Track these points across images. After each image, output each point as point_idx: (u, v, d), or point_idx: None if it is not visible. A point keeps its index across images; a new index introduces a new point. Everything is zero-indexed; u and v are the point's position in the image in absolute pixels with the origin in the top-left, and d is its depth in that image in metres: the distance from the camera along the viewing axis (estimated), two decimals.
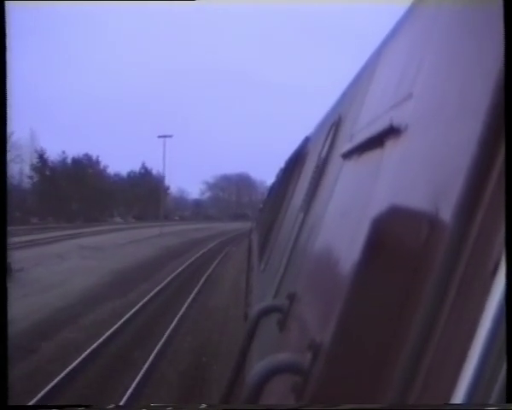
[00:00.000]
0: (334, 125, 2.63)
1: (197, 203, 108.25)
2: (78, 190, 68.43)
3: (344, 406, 0.91)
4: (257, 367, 1.27)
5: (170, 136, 48.27)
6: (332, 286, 1.39)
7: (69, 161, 73.31)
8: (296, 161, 5.60)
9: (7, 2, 1.22)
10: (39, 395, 8.53)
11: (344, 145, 1.95)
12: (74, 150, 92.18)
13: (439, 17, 1.17)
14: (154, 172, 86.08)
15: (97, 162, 77.67)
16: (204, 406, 1.70)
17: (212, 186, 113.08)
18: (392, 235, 1.05)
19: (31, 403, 7.79)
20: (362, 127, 1.69)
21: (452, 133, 0.84)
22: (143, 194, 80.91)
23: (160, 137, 48.75)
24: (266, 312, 1.96)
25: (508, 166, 0.64)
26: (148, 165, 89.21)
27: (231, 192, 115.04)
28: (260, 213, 15.91)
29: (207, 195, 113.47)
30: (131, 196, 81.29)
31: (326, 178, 2.39)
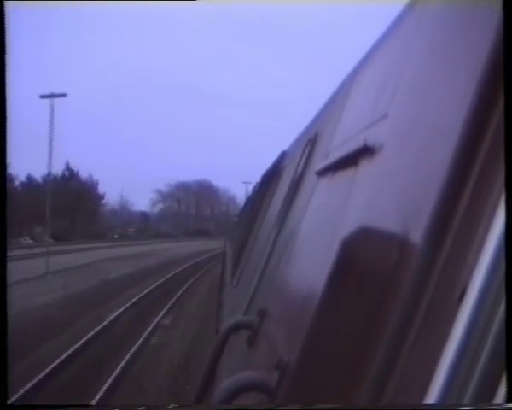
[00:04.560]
0: (310, 141, 2.64)
1: (145, 217, 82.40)
2: None
3: (318, 405, 0.90)
4: (224, 384, 1.25)
5: (63, 95, 27.78)
6: (301, 304, 1.38)
7: None
8: (272, 176, 5.61)
9: (6, 3, 1.20)
10: None
11: (319, 162, 1.95)
12: None
13: (415, 39, 1.18)
14: (84, 175, 63.66)
15: None
16: (175, 405, 1.67)
17: (165, 196, 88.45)
18: (362, 255, 1.05)
19: None
20: (337, 145, 1.69)
21: (425, 155, 0.84)
22: (68, 205, 56.93)
23: (43, 97, 27.65)
24: (236, 328, 1.93)
25: (481, 190, 0.64)
26: (74, 166, 63.43)
27: (189, 203, 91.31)
28: (235, 226, 15.86)
29: (159, 206, 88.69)
30: (51, 209, 52.99)
31: (301, 194, 2.38)
